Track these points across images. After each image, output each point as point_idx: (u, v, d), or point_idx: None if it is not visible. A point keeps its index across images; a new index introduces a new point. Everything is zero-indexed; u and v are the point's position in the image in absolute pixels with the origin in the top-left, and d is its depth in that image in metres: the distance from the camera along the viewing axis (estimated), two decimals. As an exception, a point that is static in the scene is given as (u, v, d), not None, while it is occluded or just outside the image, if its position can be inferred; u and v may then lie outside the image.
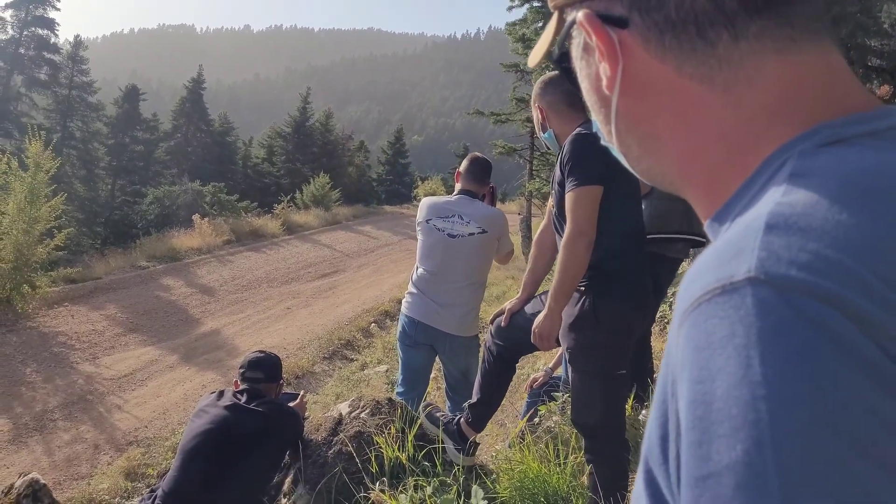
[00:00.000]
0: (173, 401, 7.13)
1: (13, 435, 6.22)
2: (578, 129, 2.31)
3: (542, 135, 2.58)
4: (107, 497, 5.03)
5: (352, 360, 8.66)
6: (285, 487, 3.07)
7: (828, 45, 0.47)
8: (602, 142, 0.60)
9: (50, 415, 6.71)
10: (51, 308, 10.07)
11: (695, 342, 0.37)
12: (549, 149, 2.68)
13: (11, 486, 3.43)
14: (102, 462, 5.77)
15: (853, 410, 0.32)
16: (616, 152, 0.58)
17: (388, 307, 10.82)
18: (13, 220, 10.27)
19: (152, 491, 2.96)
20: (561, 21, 0.56)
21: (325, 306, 11.34)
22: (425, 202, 3.63)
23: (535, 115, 2.57)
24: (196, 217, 16.91)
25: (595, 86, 0.55)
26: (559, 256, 2.28)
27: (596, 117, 0.58)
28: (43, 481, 3.52)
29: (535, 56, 0.61)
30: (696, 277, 0.40)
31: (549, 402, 3.40)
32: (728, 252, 0.39)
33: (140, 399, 7.22)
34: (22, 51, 27.50)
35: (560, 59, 0.58)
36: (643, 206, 2.56)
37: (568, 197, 2.25)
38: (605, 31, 0.50)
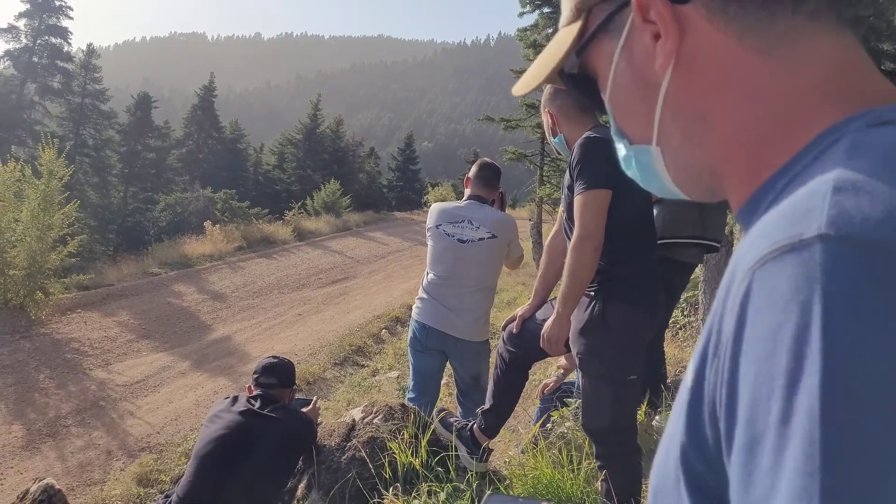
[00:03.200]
0: (185, 407, 7.16)
1: (27, 441, 6.26)
2: (588, 133, 2.30)
3: (552, 140, 2.57)
4: (120, 503, 5.06)
5: (363, 366, 8.67)
6: (299, 493, 3.07)
7: (854, 38, 0.49)
8: (622, 148, 0.59)
9: (63, 421, 6.75)
10: (63, 314, 10.15)
11: (762, 299, 0.37)
12: (559, 154, 2.67)
13: (27, 492, 3.45)
14: (115, 468, 5.80)
15: None
16: (644, 156, 0.57)
17: (398, 313, 10.84)
18: (27, 227, 10.37)
19: (167, 496, 2.97)
20: (584, 26, 0.57)
21: (335, 312, 11.36)
22: (435, 207, 3.63)
23: (545, 120, 2.55)
24: (207, 224, 17.05)
25: (640, 76, 0.54)
26: (567, 260, 2.26)
27: (628, 121, 0.58)
28: (58, 487, 3.54)
29: (540, 75, 0.61)
30: (760, 235, 0.40)
31: (562, 407, 3.39)
32: (795, 212, 0.39)
33: (152, 405, 7.25)
34: (35, 59, 27.87)
35: (580, 66, 0.58)
36: (656, 212, 2.55)
37: (576, 200, 2.23)
38: (669, 5, 0.50)
